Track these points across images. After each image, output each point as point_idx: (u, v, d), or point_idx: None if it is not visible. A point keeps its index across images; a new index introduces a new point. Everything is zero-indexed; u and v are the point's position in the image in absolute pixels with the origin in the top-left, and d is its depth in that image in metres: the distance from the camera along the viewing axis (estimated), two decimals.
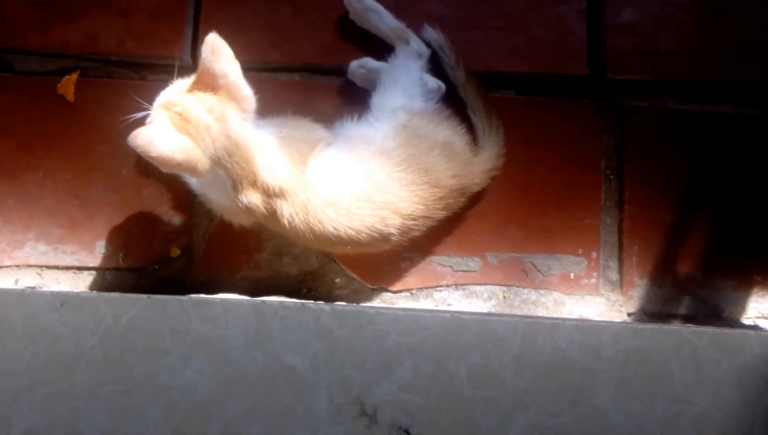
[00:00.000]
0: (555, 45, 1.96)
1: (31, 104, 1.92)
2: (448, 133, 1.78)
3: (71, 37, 1.94)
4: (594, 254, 1.90)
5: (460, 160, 1.75)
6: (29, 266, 1.87)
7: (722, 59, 1.98)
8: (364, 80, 1.89)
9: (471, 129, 1.83)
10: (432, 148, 1.72)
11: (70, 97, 1.92)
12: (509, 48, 1.97)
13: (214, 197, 1.69)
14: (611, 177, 1.95)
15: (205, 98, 1.57)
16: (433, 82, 1.85)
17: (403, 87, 1.81)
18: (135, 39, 1.94)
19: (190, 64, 1.95)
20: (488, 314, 1.83)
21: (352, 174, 1.66)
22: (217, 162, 1.56)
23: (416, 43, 1.87)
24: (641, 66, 1.98)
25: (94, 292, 1.82)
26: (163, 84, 1.78)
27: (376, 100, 1.81)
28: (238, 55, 1.89)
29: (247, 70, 1.85)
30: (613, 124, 1.97)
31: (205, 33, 1.90)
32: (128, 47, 1.94)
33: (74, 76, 1.93)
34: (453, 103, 1.86)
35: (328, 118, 1.82)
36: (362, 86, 1.89)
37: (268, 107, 1.78)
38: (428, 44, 1.88)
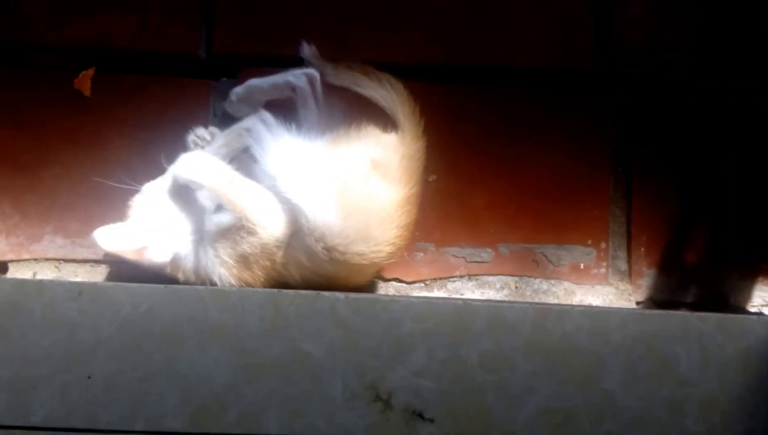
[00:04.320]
0: (562, 39, 1.98)
1: (47, 99, 1.94)
2: (366, 155, 1.73)
3: (87, 32, 1.95)
4: (603, 245, 1.92)
5: (390, 159, 1.73)
6: (47, 259, 1.89)
7: (729, 54, 2.00)
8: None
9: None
10: (363, 181, 1.69)
11: (87, 92, 1.93)
12: (516, 42, 1.98)
13: None
14: (619, 169, 1.96)
15: None
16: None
17: None
18: (151, 34, 1.96)
19: (206, 59, 1.97)
20: (500, 301, 1.85)
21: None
22: None
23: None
24: (648, 60, 1.99)
25: (112, 281, 1.83)
26: (179, 79, 1.82)
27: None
28: (253, 48, 1.92)
29: (261, 65, 1.88)
30: (620, 117, 1.99)
31: (221, 27, 1.94)
32: (144, 42, 1.96)
33: (91, 71, 1.94)
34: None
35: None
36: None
37: (282, 101, 1.81)
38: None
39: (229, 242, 1.67)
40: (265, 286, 1.66)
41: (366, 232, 1.65)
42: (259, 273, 1.66)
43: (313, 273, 1.67)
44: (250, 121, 1.78)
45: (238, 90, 1.87)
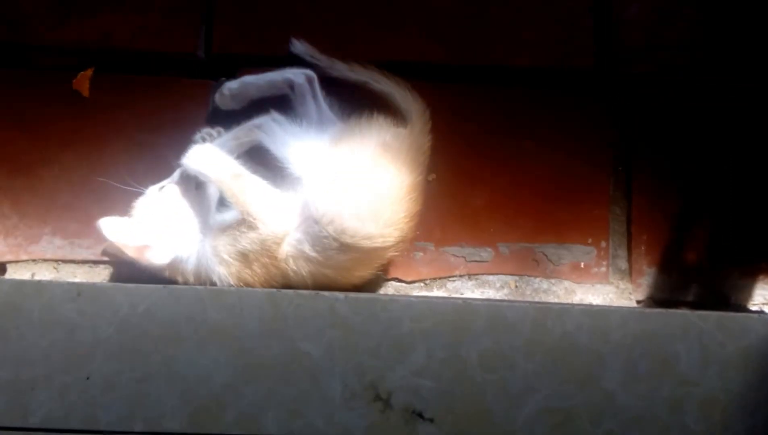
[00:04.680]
0: (562, 39, 1.98)
1: (46, 100, 1.93)
2: (377, 138, 1.75)
3: (87, 32, 1.94)
4: (603, 244, 1.92)
5: (399, 145, 1.75)
6: (45, 260, 1.88)
7: (729, 54, 1.99)
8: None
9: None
10: (374, 162, 1.71)
11: (85, 92, 1.93)
12: (516, 42, 1.98)
13: None
14: (619, 168, 1.96)
15: None
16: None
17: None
18: (150, 34, 1.95)
19: (205, 59, 1.97)
20: (499, 301, 1.85)
21: None
22: None
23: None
24: (648, 59, 1.99)
25: (111, 282, 1.83)
26: (178, 79, 1.82)
27: None
28: (252, 49, 1.91)
29: (260, 65, 1.88)
30: (620, 116, 1.98)
31: (220, 27, 1.93)
32: (143, 42, 1.95)
33: (89, 72, 1.94)
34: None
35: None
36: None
37: (282, 101, 1.81)
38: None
39: (230, 239, 1.67)
40: (264, 286, 1.67)
41: (377, 212, 1.65)
42: (259, 271, 1.66)
43: (318, 265, 1.67)
44: (261, 119, 1.79)
45: (231, 85, 1.87)
